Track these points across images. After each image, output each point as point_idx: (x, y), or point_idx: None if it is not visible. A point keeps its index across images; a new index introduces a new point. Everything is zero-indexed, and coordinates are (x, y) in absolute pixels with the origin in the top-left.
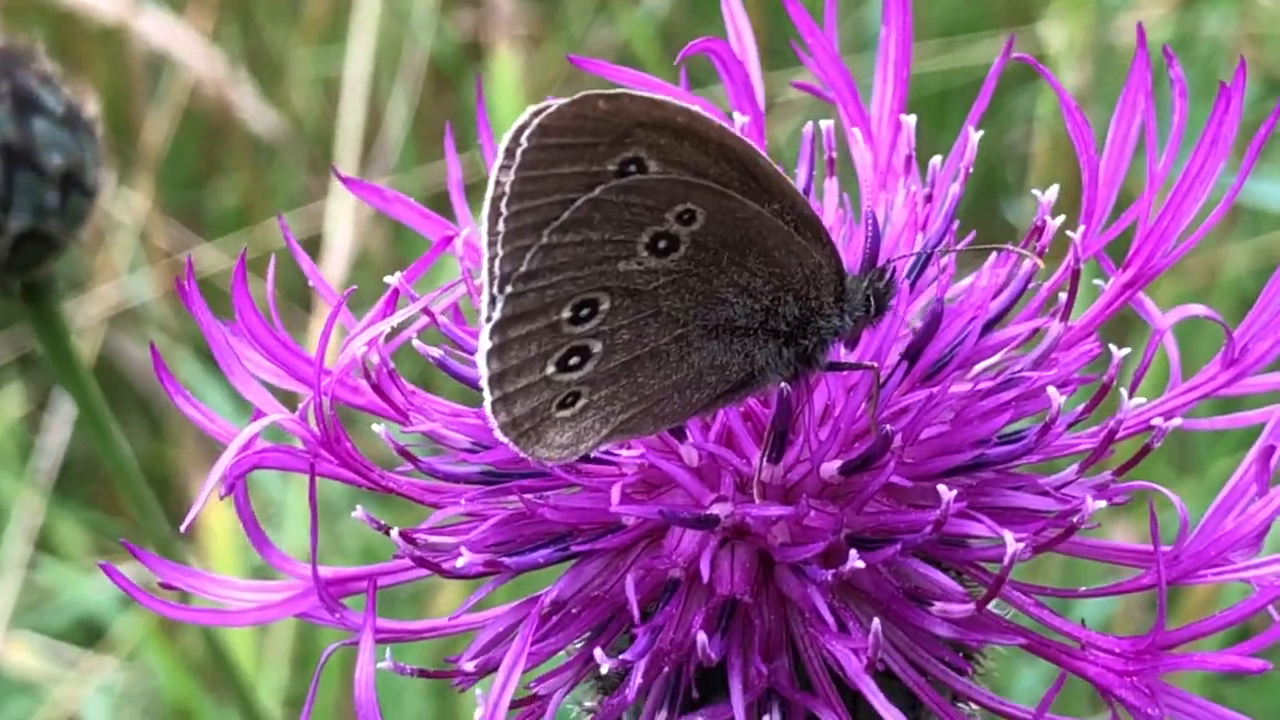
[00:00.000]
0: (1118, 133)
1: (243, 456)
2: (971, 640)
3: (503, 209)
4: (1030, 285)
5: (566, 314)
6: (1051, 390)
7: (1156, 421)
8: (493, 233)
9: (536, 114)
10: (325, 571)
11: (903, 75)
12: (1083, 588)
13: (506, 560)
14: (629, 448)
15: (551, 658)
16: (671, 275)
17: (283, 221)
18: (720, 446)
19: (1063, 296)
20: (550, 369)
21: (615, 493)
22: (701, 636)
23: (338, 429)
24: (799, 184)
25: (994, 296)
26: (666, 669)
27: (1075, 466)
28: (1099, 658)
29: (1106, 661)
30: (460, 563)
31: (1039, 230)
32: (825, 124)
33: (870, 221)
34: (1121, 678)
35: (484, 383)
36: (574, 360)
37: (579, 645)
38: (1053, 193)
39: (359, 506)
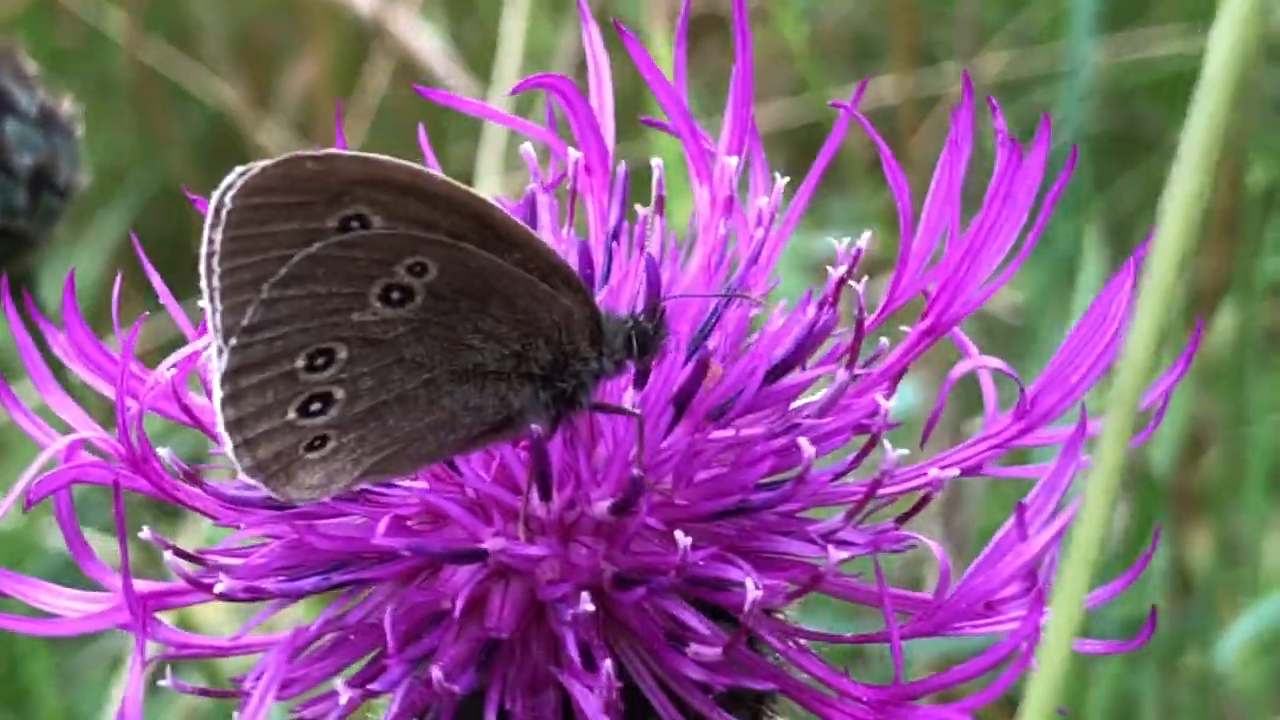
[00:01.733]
0: (939, 183)
1: (59, 470)
2: (718, 683)
3: (214, 265)
4: (836, 332)
5: (301, 363)
6: (802, 441)
7: (933, 472)
8: (210, 288)
9: (242, 174)
10: (143, 586)
11: (742, 116)
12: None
13: (270, 587)
14: (417, 479)
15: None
16: (410, 324)
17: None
18: (492, 484)
19: (884, 341)
20: (291, 414)
21: (381, 524)
22: (436, 671)
23: (145, 447)
24: (610, 221)
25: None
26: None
27: (842, 515)
28: (847, 706)
29: (853, 710)
30: (218, 588)
31: (843, 279)
32: (656, 161)
33: (648, 263)
34: None
35: (221, 429)
36: (316, 406)
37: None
38: (860, 240)
39: (145, 527)
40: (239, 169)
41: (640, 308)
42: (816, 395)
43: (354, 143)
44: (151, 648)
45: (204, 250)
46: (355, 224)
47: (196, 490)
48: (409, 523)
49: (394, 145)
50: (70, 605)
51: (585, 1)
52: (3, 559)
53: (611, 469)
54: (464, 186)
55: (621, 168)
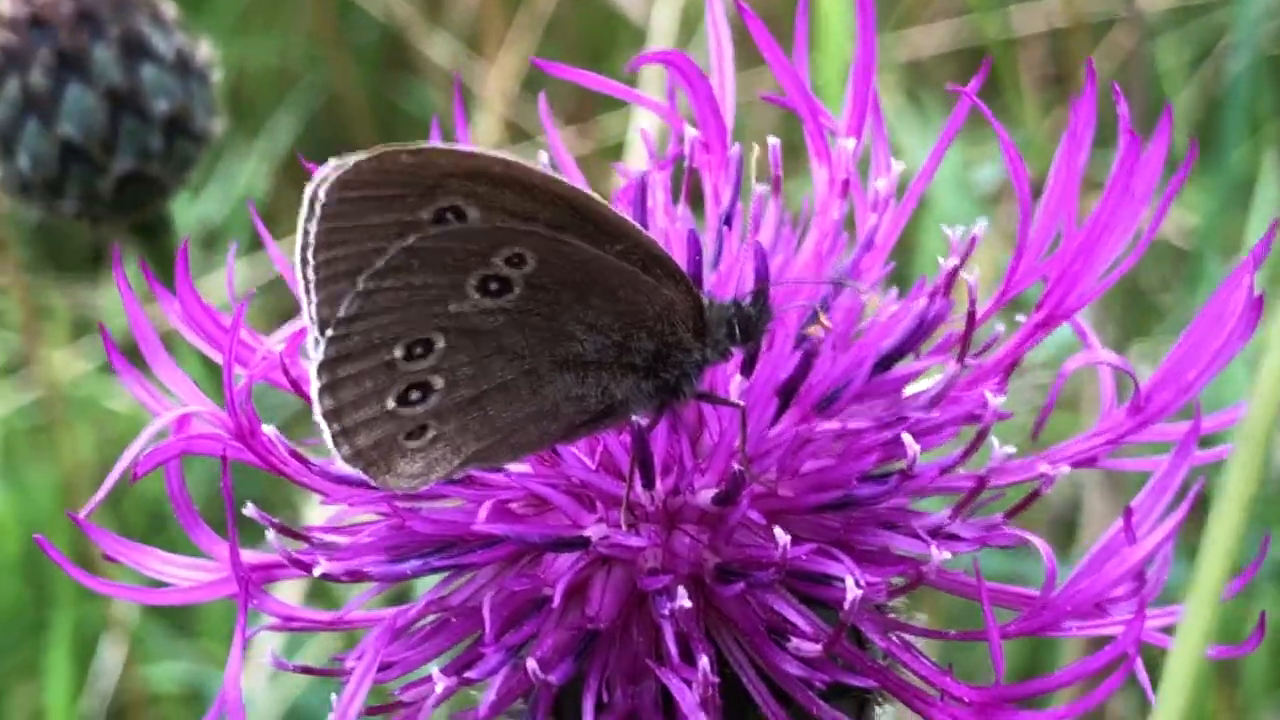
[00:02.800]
0: (1058, 171)
1: (169, 442)
2: (818, 679)
3: (309, 257)
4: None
5: (399, 353)
6: (907, 438)
7: (1043, 467)
8: (305, 280)
9: (336, 166)
10: (250, 557)
11: (862, 94)
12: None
13: (371, 570)
14: (524, 463)
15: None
16: (509, 314)
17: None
18: (594, 472)
19: (999, 327)
20: (391, 403)
21: (483, 510)
22: (531, 662)
23: (253, 421)
24: (722, 204)
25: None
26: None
27: (948, 510)
28: (949, 706)
29: (955, 711)
30: (318, 570)
31: (955, 270)
32: (773, 141)
33: (755, 250)
34: None
35: (319, 418)
36: (415, 395)
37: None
38: (971, 229)
39: (249, 503)
40: (333, 161)
41: (746, 293)
42: (929, 382)
43: (521, 55)
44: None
45: (298, 242)
46: (450, 216)
47: (300, 467)
48: (512, 507)
49: (561, 57)
50: (181, 574)
51: None
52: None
53: (715, 458)
54: (562, 178)
55: (735, 149)
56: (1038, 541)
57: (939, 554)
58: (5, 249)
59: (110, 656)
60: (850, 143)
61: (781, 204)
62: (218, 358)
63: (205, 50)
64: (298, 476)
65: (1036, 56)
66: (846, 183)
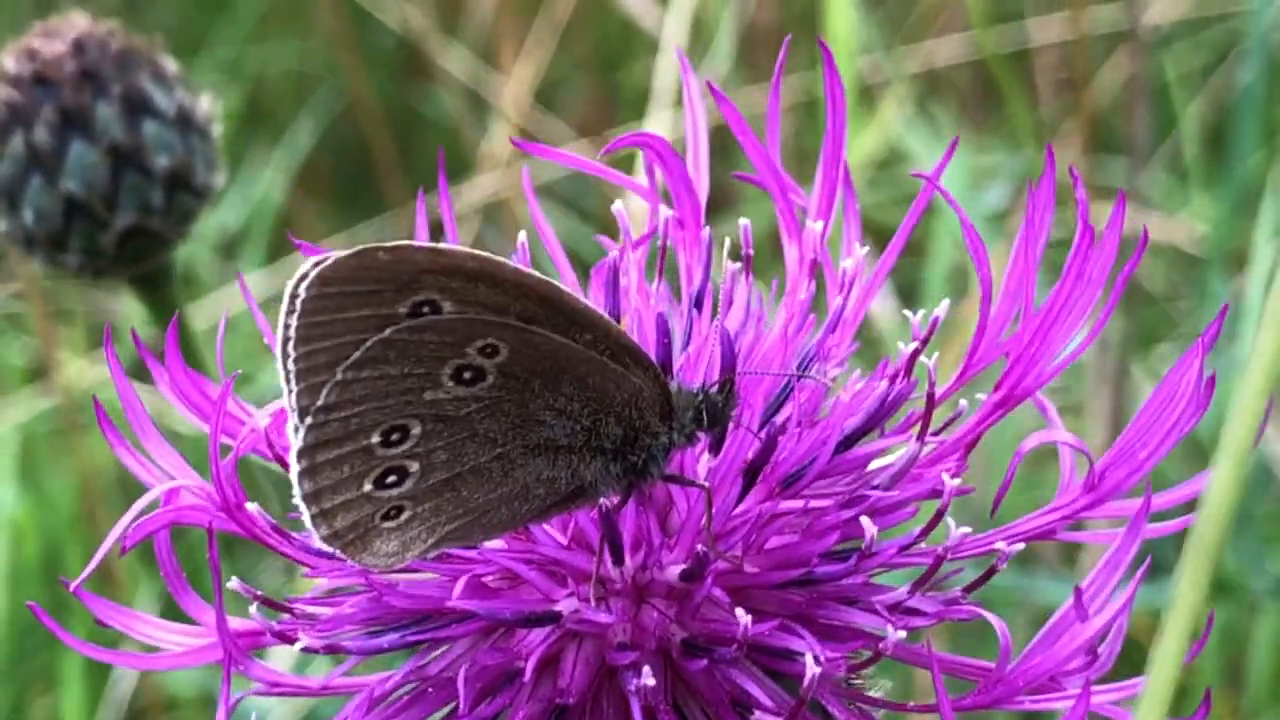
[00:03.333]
0: (1018, 253)
1: (158, 514)
2: None
3: (290, 350)
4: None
5: (376, 439)
6: (865, 521)
7: (1000, 545)
8: (285, 371)
9: (316, 264)
10: (238, 625)
11: (831, 176)
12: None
13: (349, 645)
14: (498, 540)
15: None
16: (483, 401)
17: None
18: (564, 549)
19: (963, 403)
20: (368, 487)
21: (458, 586)
22: None
23: (239, 495)
24: (694, 285)
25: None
26: None
27: (906, 587)
28: None
29: None
30: (299, 645)
31: (916, 353)
32: (744, 222)
33: (722, 337)
34: None
35: (298, 500)
36: (391, 479)
37: None
38: (938, 309)
39: (234, 578)
40: (312, 260)
41: (714, 379)
42: (893, 458)
43: (536, 65)
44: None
45: (279, 335)
46: (426, 309)
47: (282, 540)
48: (486, 581)
49: (576, 67)
50: (170, 639)
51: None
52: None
53: (683, 536)
54: (534, 272)
55: (706, 232)
56: (992, 619)
57: (895, 632)
58: (22, 256)
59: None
60: (818, 225)
61: (752, 283)
62: (204, 428)
63: (205, 105)
64: (279, 548)
65: (1050, 61)
66: (815, 262)
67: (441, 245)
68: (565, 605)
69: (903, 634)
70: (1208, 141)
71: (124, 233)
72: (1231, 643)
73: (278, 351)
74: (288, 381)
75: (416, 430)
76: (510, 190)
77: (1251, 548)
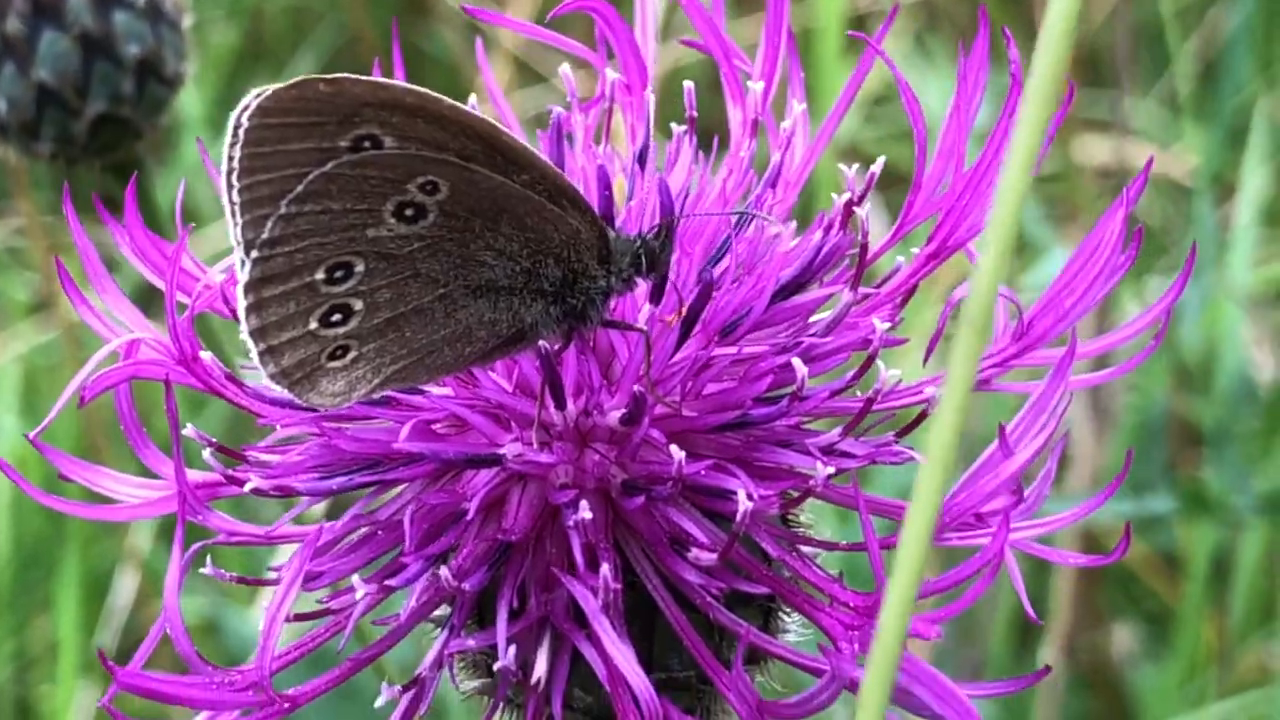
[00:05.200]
0: (955, 110)
1: (117, 367)
2: (714, 586)
3: (234, 182)
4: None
5: (320, 275)
6: (796, 361)
7: (929, 391)
8: (230, 203)
9: (257, 95)
10: (195, 476)
11: (775, 39)
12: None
13: (299, 486)
14: (442, 385)
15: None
16: (425, 240)
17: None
18: (509, 394)
19: (899, 259)
20: (313, 324)
21: (404, 430)
22: (445, 570)
23: (193, 346)
24: (638, 143)
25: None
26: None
27: (839, 429)
28: (836, 611)
29: (841, 615)
30: (249, 486)
31: (849, 204)
32: (688, 84)
33: (660, 185)
34: (847, 631)
35: (245, 336)
36: (336, 317)
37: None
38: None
39: (189, 425)
40: (254, 91)
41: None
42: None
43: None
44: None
45: (223, 168)
46: (367, 144)
47: (237, 390)
48: (434, 428)
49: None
50: (130, 492)
51: None
52: None
53: (623, 381)
54: (473, 110)
55: (649, 94)
56: (919, 456)
57: (824, 469)
58: (24, 191)
59: (124, 590)
60: (759, 86)
61: (696, 144)
62: (161, 284)
63: None
64: (234, 399)
65: None
66: (755, 122)
67: (381, 79)
68: (509, 448)
69: (831, 470)
70: (1204, 78)
71: (95, 120)
72: (1217, 565)
73: (222, 184)
74: (232, 215)
75: (360, 268)
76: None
77: (1235, 466)
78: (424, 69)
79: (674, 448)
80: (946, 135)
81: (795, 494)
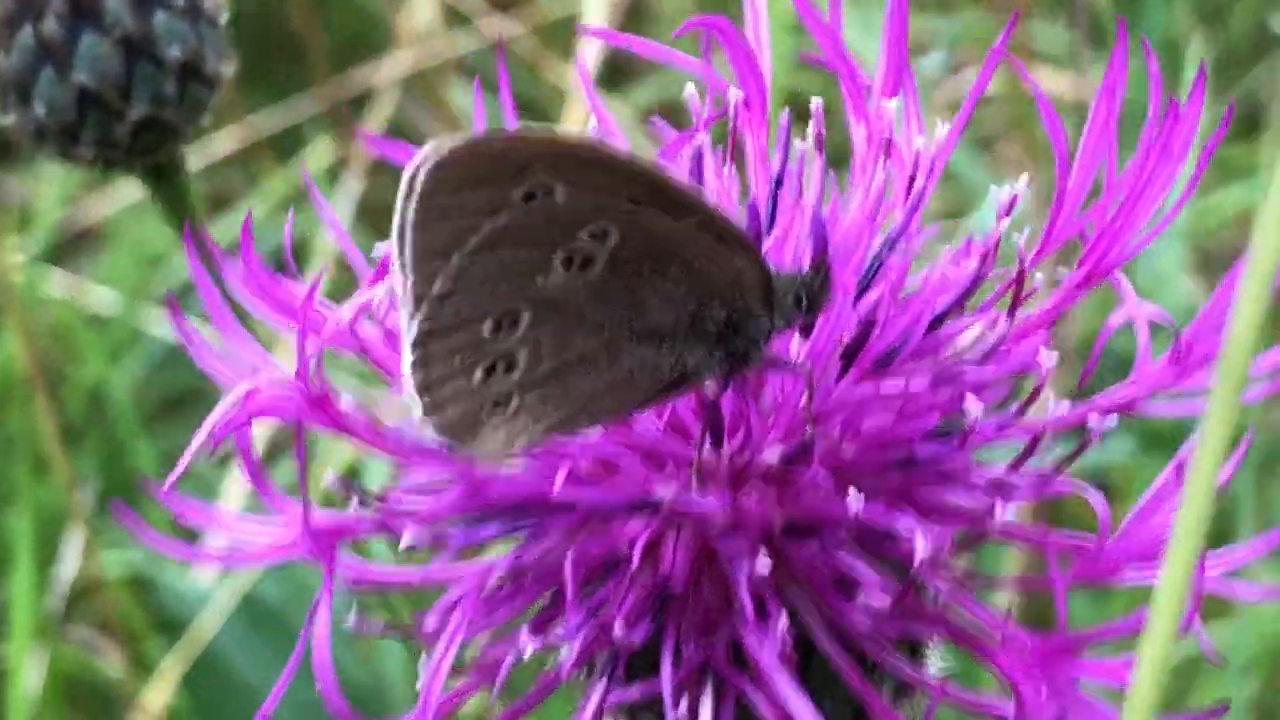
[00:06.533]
0: (1093, 127)
1: (243, 406)
2: (888, 631)
3: (406, 236)
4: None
5: (487, 327)
6: (970, 399)
7: (1093, 421)
8: (401, 258)
9: (434, 149)
10: (323, 518)
11: (898, 53)
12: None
13: (454, 534)
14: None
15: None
16: (592, 287)
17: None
18: (664, 435)
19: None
20: (478, 377)
21: (559, 476)
22: (618, 624)
23: (323, 387)
24: (774, 169)
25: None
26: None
27: (1007, 465)
28: (1011, 654)
29: (1018, 658)
30: (406, 539)
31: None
32: (816, 101)
33: (814, 222)
34: (1029, 674)
35: (410, 393)
36: (500, 368)
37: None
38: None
39: (330, 470)
40: (429, 146)
41: (806, 263)
42: (972, 335)
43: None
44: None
45: (395, 223)
46: (540, 194)
47: (377, 435)
48: (579, 467)
49: None
50: (255, 534)
51: None
52: None
53: (780, 416)
54: (642, 156)
55: (784, 114)
56: (1090, 493)
57: (1002, 511)
58: None
59: (71, 546)
60: (893, 103)
61: (824, 164)
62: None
63: None
64: (370, 441)
65: None
66: (890, 142)
67: (555, 130)
68: (664, 492)
69: (1010, 514)
70: None
71: (139, 124)
72: None
73: (393, 239)
74: (403, 270)
75: (526, 317)
76: (430, 63)
77: None
78: (338, 10)
79: (852, 492)
80: (1088, 144)
81: (969, 534)
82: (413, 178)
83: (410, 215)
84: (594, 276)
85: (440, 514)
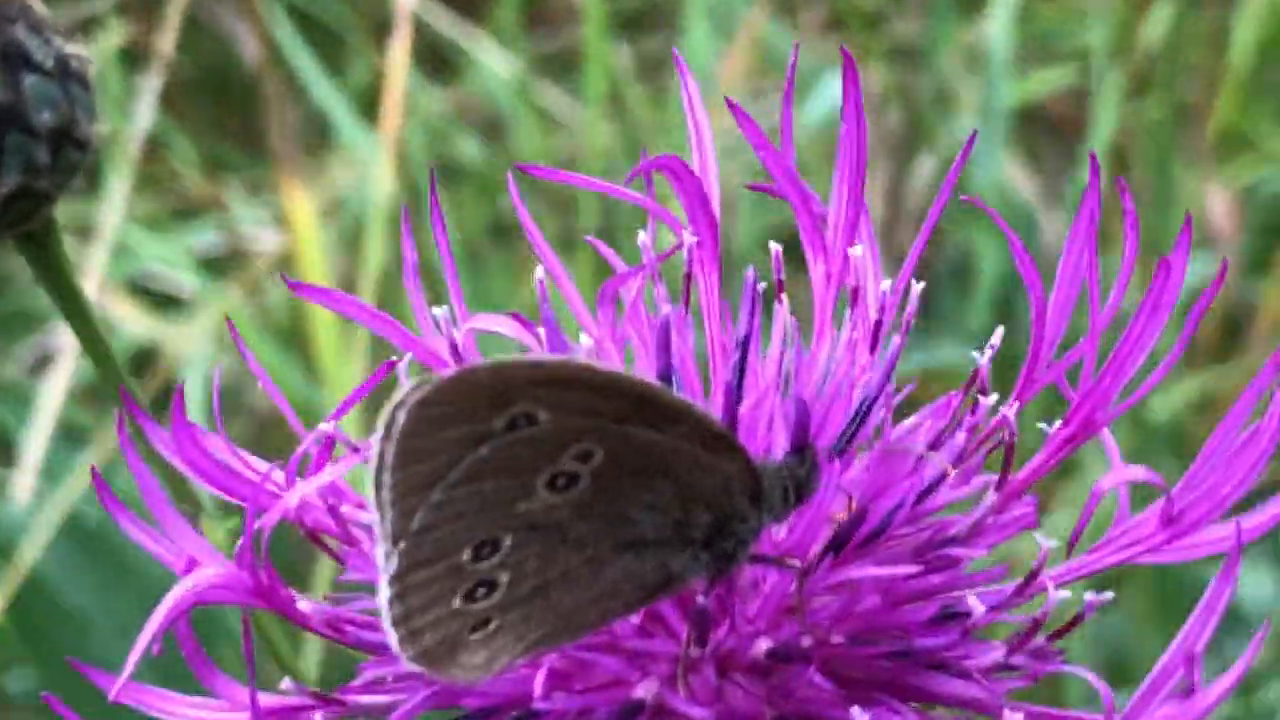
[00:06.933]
0: (1064, 269)
1: (182, 596)
2: None
3: (384, 478)
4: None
5: (467, 555)
6: (972, 600)
7: (1088, 595)
8: (379, 499)
9: (414, 390)
10: (269, 701)
11: (855, 204)
12: None
13: None
14: None
15: None
16: (575, 506)
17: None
18: (645, 640)
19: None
20: (457, 603)
21: (538, 681)
22: None
23: (273, 579)
24: (740, 332)
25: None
26: None
27: (1001, 652)
28: None
29: None
30: None
31: (976, 374)
32: (775, 247)
33: (796, 407)
34: None
35: (387, 625)
36: (481, 592)
37: None
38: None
39: (286, 679)
40: (410, 386)
41: (782, 439)
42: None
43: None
44: None
45: (373, 463)
46: (522, 421)
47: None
48: (559, 666)
49: None
50: (197, 715)
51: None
52: None
53: (766, 605)
54: (628, 373)
55: (749, 273)
56: (1092, 678)
57: (1011, 715)
58: None
59: None
60: (858, 249)
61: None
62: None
63: (80, 51)
64: (330, 638)
65: None
66: (857, 290)
67: (539, 357)
68: (646, 688)
69: (1020, 717)
70: None
71: (10, 195)
72: None
73: (369, 480)
74: (380, 509)
75: (508, 541)
76: None
77: None
78: None
79: (855, 709)
80: (1060, 290)
81: None
82: (391, 419)
83: (390, 457)
84: (577, 495)
85: (418, 709)
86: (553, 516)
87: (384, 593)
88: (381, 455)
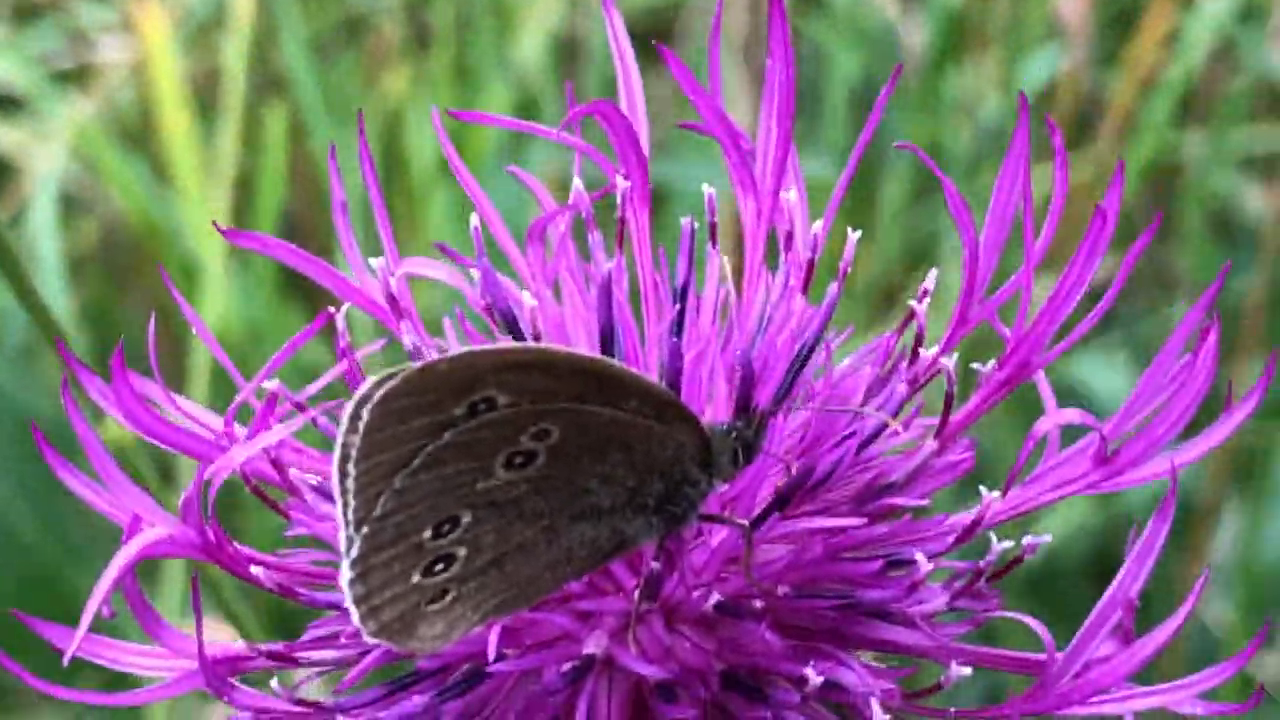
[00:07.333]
0: (996, 206)
1: (130, 552)
2: None
3: (349, 469)
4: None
5: (427, 534)
6: (919, 556)
7: (1027, 538)
8: (342, 488)
9: (379, 385)
10: (215, 649)
11: (783, 144)
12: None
13: (382, 715)
14: None
15: None
16: (532, 482)
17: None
18: (597, 599)
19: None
20: (416, 578)
21: (491, 643)
22: None
23: (219, 536)
24: (679, 280)
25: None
26: None
27: (944, 599)
28: None
29: None
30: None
31: (911, 315)
32: (709, 189)
33: (744, 366)
34: None
35: (349, 603)
36: (439, 567)
37: None
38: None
39: (240, 639)
40: (375, 379)
41: (733, 414)
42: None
43: None
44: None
45: (337, 453)
46: (483, 406)
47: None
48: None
49: None
50: (152, 666)
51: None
52: None
53: (714, 560)
54: (585, 352)
55: (687, 222)
56: (1034, 624)
57: (957, 668)
58: None
59: None
60: (792, 194)
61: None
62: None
63: None
64: (281, 595)
65: None
66: (790, 235)
67: (500, 345)
68: (595, 642)
69: (968, 670)
70: None
71: None
72: None
73: (334, 469)
74: (343, 496)
75: (466, 519)
76: None
77: None
78: None
79: (809, 670)
80: (990, 230)
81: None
82: (356, 413)
83: (354, 450)
84: (534, 472)
85: (360, 675)
86: (511, 493)
87: (345, 574)
88: (346, 447)
